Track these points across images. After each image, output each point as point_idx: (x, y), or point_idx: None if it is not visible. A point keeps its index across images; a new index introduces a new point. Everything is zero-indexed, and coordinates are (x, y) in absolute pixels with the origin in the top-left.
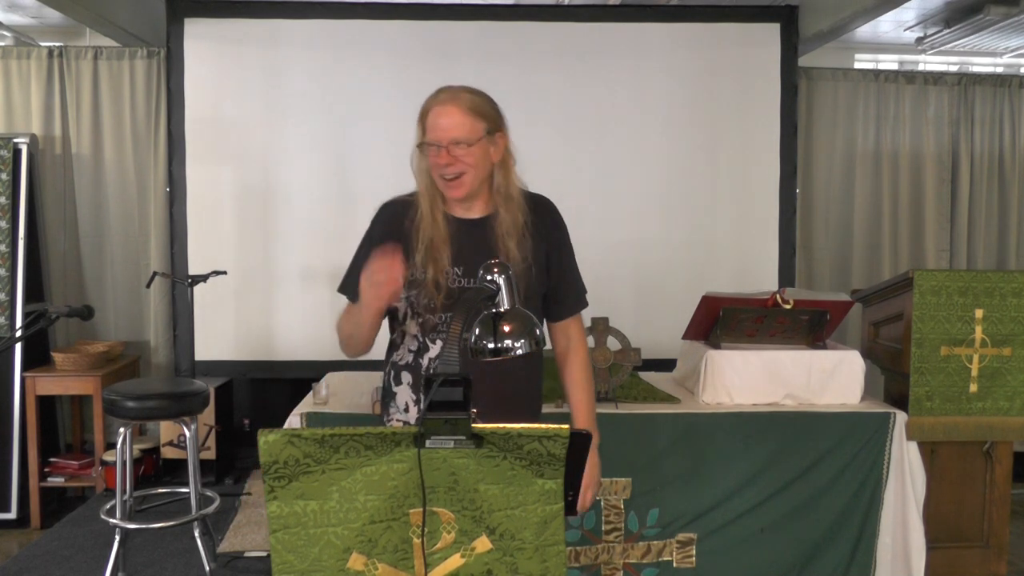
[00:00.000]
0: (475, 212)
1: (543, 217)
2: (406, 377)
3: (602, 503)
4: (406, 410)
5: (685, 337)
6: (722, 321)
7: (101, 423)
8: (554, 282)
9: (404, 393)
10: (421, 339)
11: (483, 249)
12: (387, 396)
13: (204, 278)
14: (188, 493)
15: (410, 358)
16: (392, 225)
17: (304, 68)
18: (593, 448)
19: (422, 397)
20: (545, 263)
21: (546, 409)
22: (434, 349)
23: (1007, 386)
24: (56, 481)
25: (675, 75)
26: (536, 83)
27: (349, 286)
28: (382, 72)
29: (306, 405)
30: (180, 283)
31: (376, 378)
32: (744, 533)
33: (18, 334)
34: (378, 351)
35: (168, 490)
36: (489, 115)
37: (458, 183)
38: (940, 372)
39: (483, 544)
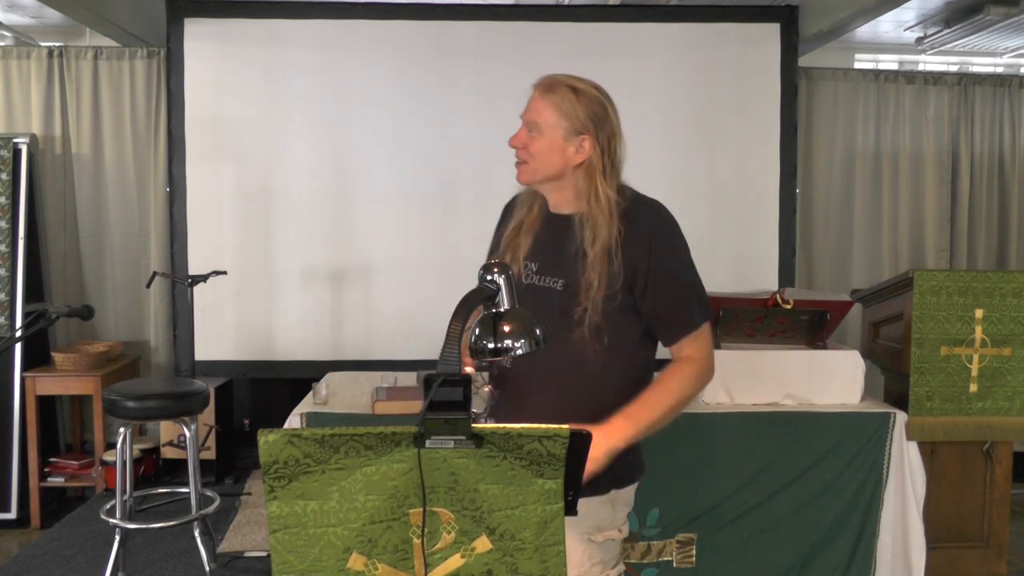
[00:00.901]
0: (564, 208)
1: (640, 228)
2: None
3: None
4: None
5: None
6: (722, 321)
7: (101, 423)
8: (649, 301)
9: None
10: None
11: (560, 248)
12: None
13: (204, 278)
14: (188, 493)
15: None
16: (506, 213)
17: (304, 68)
18: (601, 443)
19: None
20: (631, 280)
21: None
22: None
23: (1007, 386)
24: (56, 481)
25: (675, 75)
26: None
27: None
28: (382, 72)
29: (306, 405)
30: (180, 283)
31: (376, 378)
32: (744, 533)
33: (18, 334)
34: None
35: (168, 490)
36: (575, 116)
37: (521, 168)
38: (940, 372)
39: (483, 544)
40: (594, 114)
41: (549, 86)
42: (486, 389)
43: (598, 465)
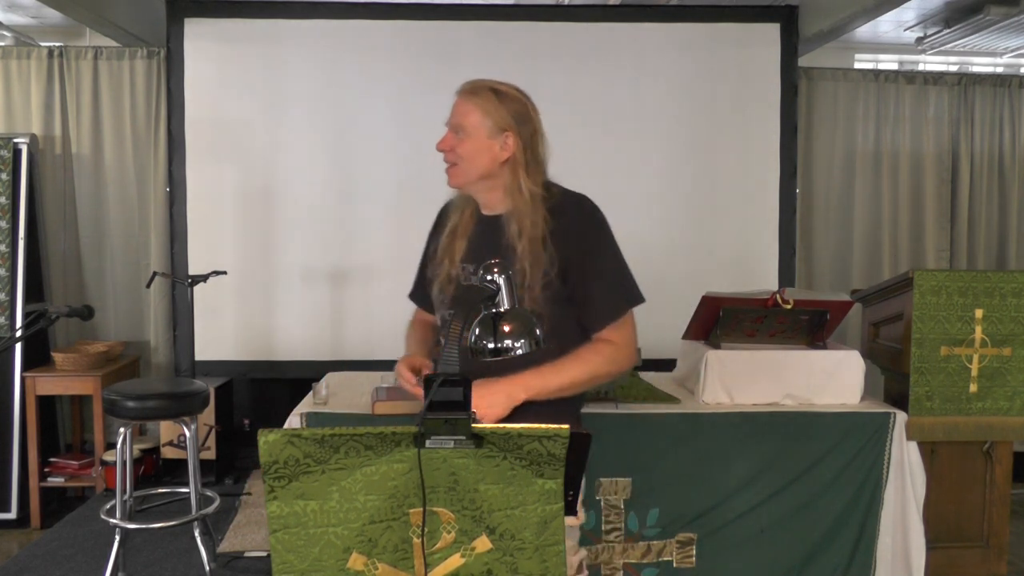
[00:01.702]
0: (494, 209)
1: (567, 221)
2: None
3: (602, 503)
4: None
5: (685, 337)
6: (722, 321)
7: (101, 423)
8: (578, 291)
9: None
10: (439, 336)
11: (494, 247)
12: None
13: (204, 278)
14: (188, 493)
15: (416, 340)
16: (439, 220)
17: (304, 68)
18: (501, 389)
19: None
20: (563, 271)
21: None
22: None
23: (1007, 386)
24: (56, 481)
25: (675, 75)
26: (536, 83)
27: (415, 285)
28: (382, 72)
29: (306, 405)
30: (180, 283)
31: (376, 378)
32: (744, 533)
33: (18, 334)
34: (379, 351)
35: (168, 490)
36: (498, 115)
37: (451, 171)
38: (940, 372)
39: (483, 544)
40: (516, 112)
41: (472, 90)
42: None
43: (498, 408)
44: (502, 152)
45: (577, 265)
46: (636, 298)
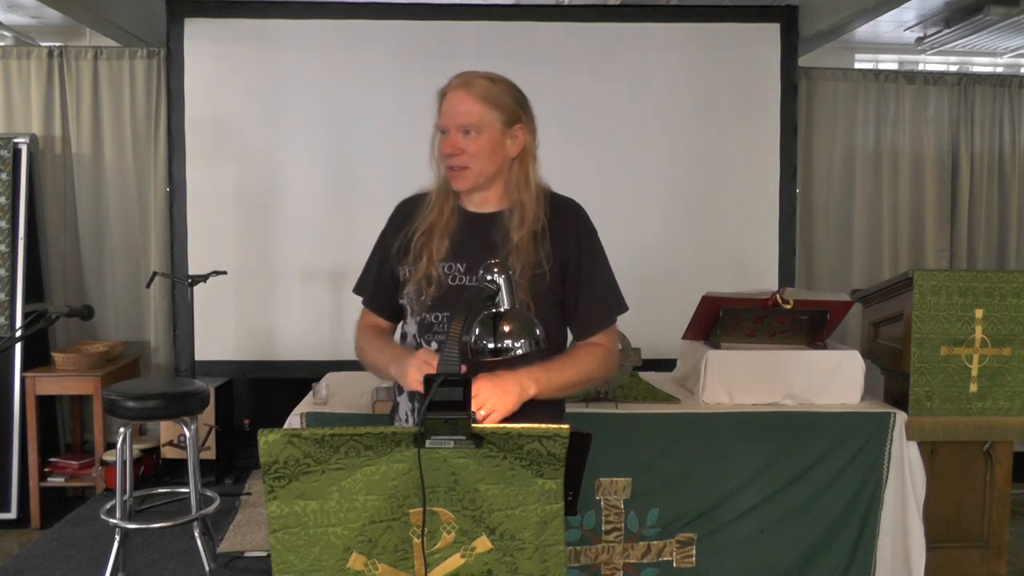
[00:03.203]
0: (489, 207)
1: (565, 221)
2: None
3: (602, 503)
4: (406, 420)
5: (685, 337)
6: (722, 321)
7: (101, 423)
8: (572, 295)
9: (404, 403)
10: (417, 339)
11: (490, 246)
12: (395, 406)
13: (204, 278)
14: (188, 493)
15: (397, 345)
16: (404, 221)
17: (304, 68)
18: (523, 376)
19: (417, 406)
20: (561, 271)
21: None
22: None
23: (1007, 386)
24: (56, 481)
25: (675, 75)
26: (536, 83)
27: (361, 287)
28: (382, 72)
29: (306, 405)
30: (180, 283)
31: (376, 379)
32: (744, 533)
33: (18, 334)
34: None
35: (168, 490)
36: (505, 105)
37: (461, 174)
38: (940, 372)
39: (483, 544)
40: (519, 100)
41: (467, 82)
42: None
43: (511, 399)
44: (513, 147)
45: (575, 267)
46: (624, 306)
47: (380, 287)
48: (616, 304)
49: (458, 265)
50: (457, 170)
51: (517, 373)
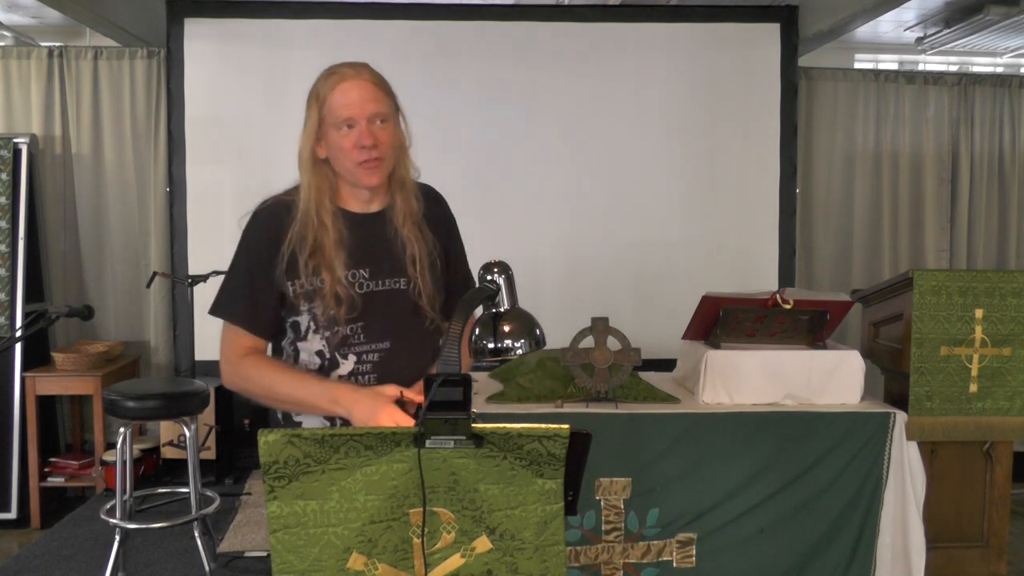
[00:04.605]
0: (375, 204)
1: (435, 207)
2: None
3: (602, 503)
4: None
5: (685, 337)
6: (722, 321)
7: (101, 423)
8: (452, 274)
9: (312, 422)
10: (328, 355)
11: (387, 246)
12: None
13: (204, 278)
14: (188, 493)
15: (323, 378)
16: (272, 231)
17: (304, 68)
18: None
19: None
20: (443, 256)
21: (545, 409)
22: (345, 365)
23: (1007, 386)
24: (56, 481)
25: (675, 75)
26: (536, 83)
27: (230, 307)
28: (382, 72)
29: None
30: (180, 283)
31: None
32: (744, 533)
33: (18, 334)
34: None
35: (168, 490)
36: (392, 93)
37: (377, 167)
38: (940, 372)
39: (483, 544)
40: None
41: (360, 70)
42: None
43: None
44: (398, 136)
45: (453, 251)
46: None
47: (257, 307)
48: (472, 276)
49: (362, 271)
50: (372, 163)
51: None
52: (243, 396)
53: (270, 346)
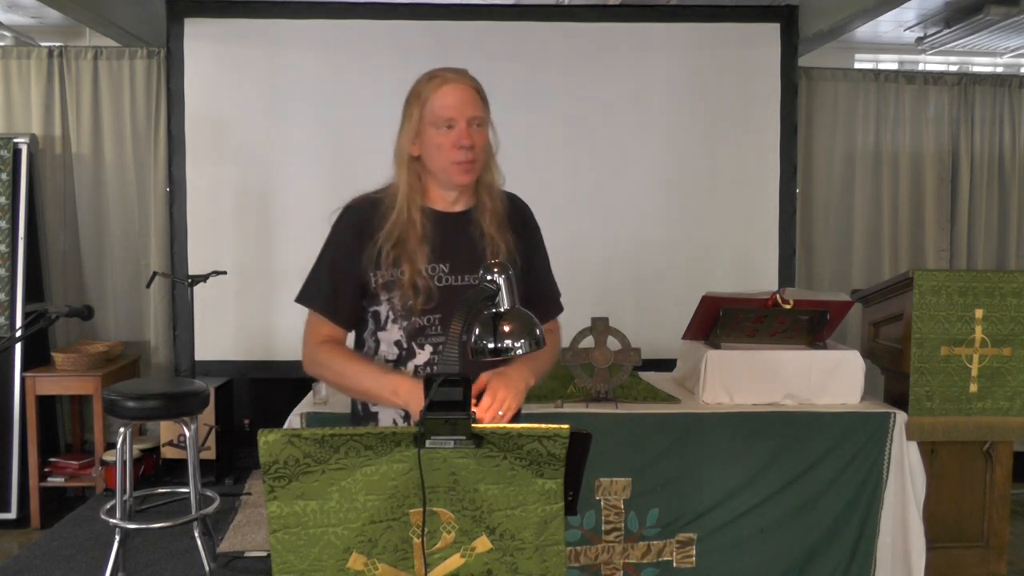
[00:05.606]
0: (460, 204)
1: (521, 214)
2: None
3: (602, 503)
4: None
5: (685, 337)
6: (722, 321)
7: (101, 423)
8: (532, 283)
9: (389, 413)
10: (405, 345)
11: (469, 244)
12: (359, 420)
13: (204, 278)
14: (188, 493)
15: (389, 368)
16: (357, 225)
17: (304, 67)
18: (522, 368)
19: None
20: (524, 262)
21: (545, 409)
22: (422, 355)
23: (1007, 386)
24: (56, 481)
25: (675, 75)
26: (536, 83)
27: (313, 296)
28: (382, 72)
29: (306, 405)
30: (180, 283)
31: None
32: (744, 533)
33: (18, 334)
34: None
35: (168, 490)
36: (487, 100)
37: (472, 168)
38: (940, 372)
39: (483, 544)
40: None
41: (460, 77)
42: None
43: (522, 394)
44: (490, 141)
45: (532, 256)
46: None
47: (339, 296)
48: (559, 296)
49: (442, 266)
50: (467, 163)
51: (518, 367)
52: (317, 380)
53: (353, 337)
